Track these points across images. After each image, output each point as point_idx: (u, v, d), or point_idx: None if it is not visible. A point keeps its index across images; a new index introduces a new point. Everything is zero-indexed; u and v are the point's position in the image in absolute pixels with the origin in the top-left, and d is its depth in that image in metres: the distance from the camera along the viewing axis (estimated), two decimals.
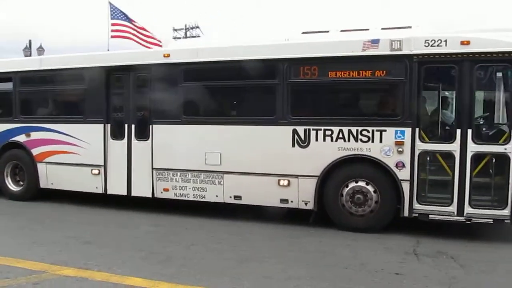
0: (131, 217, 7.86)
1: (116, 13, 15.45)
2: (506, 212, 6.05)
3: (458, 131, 6.19)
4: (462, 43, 6.12)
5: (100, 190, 8.33)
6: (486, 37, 6.09)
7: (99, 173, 8.27)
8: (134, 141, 8.06)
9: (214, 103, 7.84)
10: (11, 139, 9.06)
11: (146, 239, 6.38)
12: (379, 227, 6.65)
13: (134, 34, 15.43)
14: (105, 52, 9.72)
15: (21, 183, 9.20)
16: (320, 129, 6.80)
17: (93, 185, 8.35)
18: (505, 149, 6.02)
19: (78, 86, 8.51)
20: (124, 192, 8.16)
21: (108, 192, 8.29)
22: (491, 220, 6.13)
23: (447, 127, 6.62)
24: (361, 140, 6.61)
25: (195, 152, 7.56)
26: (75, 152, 8.44)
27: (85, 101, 8.46)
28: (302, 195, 6.97)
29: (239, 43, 7.48)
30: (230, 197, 7.42)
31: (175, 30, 32.61)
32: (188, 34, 32.48)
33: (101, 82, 8.19)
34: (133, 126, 8.07)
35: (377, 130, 6.51)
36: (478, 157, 6.15)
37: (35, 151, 8.84)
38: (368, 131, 6.56)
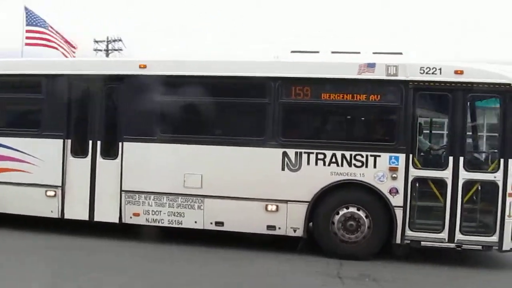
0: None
1: (33, 19, 14.19)
2: (494, 238, 6.21)
3: (451, 158, 6.29)
4: (456, 72, 6.26)
5: (55, 215, 7.32)
6: (478, 68, 6.29)
7: (55, 195, 7.28)
8: (99, 159, 7.23)
9: (197, 120, 7.22)
10: None
11: None
12: (369, 254, 6.50)
13: (50, 41, 14.19)
14: (69, 58, 8.66)
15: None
16: (313, 153, 6.56)
17: (47, 209, 7.32)
18: (495, 177, 6.20)
19: (34, 95, 7.49)
20: (86, 217, 7.25)
21: (66, 217, 7.32)
22: (480, 247, 6.26)
23: (439, 154, 6.70)
24: (354, 165, 6.46)
25: (173, 173, 6.93)
26: (26, 171, 7.36)
27: (42, 113, 7.45)
28: (291, 221, 6.64)
29: (230, 58, 7.03)
30: (211, 223, 6.88)
31: (96, 42, 31.23)
32: (110, 46, 31.29)
33: (62, 92, 7.27)
34: (98, 142, 7.24)
35: (371, 155, 6.42)
36: (468, 184, 6.26)
37: None
38: (362, 156, 6.44)
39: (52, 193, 7.28)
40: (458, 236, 6.26)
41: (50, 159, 7.28)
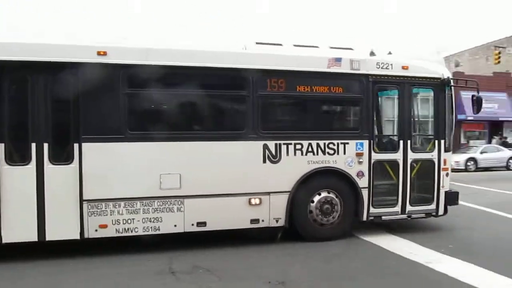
0: None
1: None
2: (433, 206, 7.63)
3: (401, 142, 7.43)
4: (403, 67, 7.39)
5: None
6: (419, 64, 7.55)
7: None
8: (48, 165, 6.00)
9: (173, 115, 6.61)
10: None
11: None
12: (343, 233, 7.20)
13: None
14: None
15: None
16: (291, 143, 6.85)
17: None
18: (432, 155, 7.59)
19: None
20: (34, 237, 5.97)
21: (4, 241, 5.87)
22: (424, 215, 7.61)
23: (392, 139, 7.77)
24: (328, 153, 7.03)
25: (146, 175, 6.29)
26: None
27: None
28: (274, 212, 6.84)
29: (203, 47, 6.65)
30: (193, 224, 6.53)
31: None
32: None
33: None
34: (45, 145, 6.00)
35: (341, 143, 7.08)
36: (414, 163, 7.51)
37: None
38: (334, 144, 7.05)
39: None
40: (408, 207, 7.49)
41: None
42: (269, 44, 7.24)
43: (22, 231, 5.93)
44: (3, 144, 5.87)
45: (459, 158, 22.10)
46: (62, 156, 6.08)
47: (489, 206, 10.34)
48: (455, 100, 7.90)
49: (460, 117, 26.48)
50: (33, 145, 5.96)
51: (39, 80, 5.99)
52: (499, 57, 26.89)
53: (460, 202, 8.12)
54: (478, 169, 22.16)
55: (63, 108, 6.14)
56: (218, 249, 6.63)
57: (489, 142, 27.62)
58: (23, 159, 5.96)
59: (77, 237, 6.12)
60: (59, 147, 6.08)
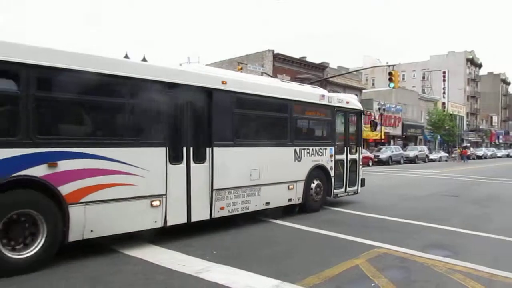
0: None
1: None
2: (356, 187, 12.82)
3: (345, 148, 12.34)
4: (347, 102, 12.35)
5: (159, 224, 7.59)
6: (351, 101, 12.66)
7: (160, 204, 7.56)
8: (193, 164, 8.14)
9: (255, 129, 9.85)
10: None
11: None
12: (322, 206, 11.47)
13: None
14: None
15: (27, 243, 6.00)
16: (304, 148, 10.80)
17: (151, 220, 7.48)
18: (356, 156, 12.76)
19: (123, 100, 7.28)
20: (184, 220, 8.05)
21: (168, 224, 7.72)
22: (353, 193, 12.69)
23: (340, 146, 12.36)
24: (319, 154, 11.26)
25: (243, 170, 9.17)
26: (131, 183, 7.08)
27: (143, 122, 7.41)
28: (298, 194, 10.66)
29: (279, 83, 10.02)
30: (263, 204, 9.67)
31: None
32: None
33: (161, 101, 7.68)
34: (191, 149, 8.15)
35: (324, 149, 11.46)
36: (350, 161, 12.50)
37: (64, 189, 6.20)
38: (322, 150, 11.35)
39: (157, 203, 7.51)
40: (347, 188, 12.42)
41: (155, 168, 7.47)
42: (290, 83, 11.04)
43: (178, 215, 7.91)
44: (168, 148, 7.73)
45: None
46: (200, 156, 8.33)
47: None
48: None
49: None
50: (184, 149, 8.06)
51: (188, 100, 8.17)
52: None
53: None
54: None
55: (201, 122, 8.42)
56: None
57: None
58: (178, 160, 7.97)
59: (208, 217, 8.45)
60: (199, 150, 8.31)
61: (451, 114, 66.66)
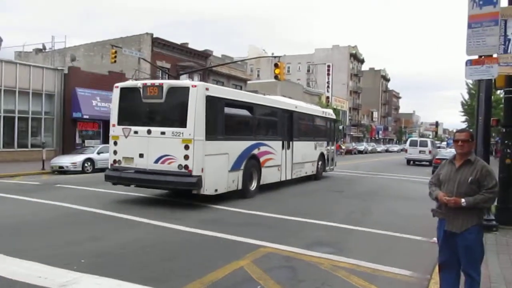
0: None
1: None
2: (333, 167, 23.62)
3: (329, 143, 22.66)
4: (331, 115, 23.24)
5: (279, 179, 16.58)
6: (332, 113, 24.66)
7: (279, 169, 16.43)
8: (286, 150, 17.27)
9: (304, 130, 19.73)
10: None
11: None
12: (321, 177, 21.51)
13: None
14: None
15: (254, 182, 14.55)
16: (317, 142, 20.72)
17: (278, 177, 16.49)
18: (333, 147, 23.52)
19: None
20: (284, 178, 17.02)
21: (281, 179, 16.63)
22: (332, 169, 23.51)
23: (328, 141, 22.61)
24: (322, 146, 21.29)
25: (299, 154, 18.39)
26: (273, 158, 15.81)
27: (274, 127, 16.43)
28: (314, 169, 20.31)
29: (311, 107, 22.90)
30: (305, 173, 19.09)
31: None
32: None
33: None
34: (286, 142, 17.10)
35: (324, 142, 21.69)
36: (331, 150, 23.33)
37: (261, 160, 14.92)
38: (323, 143, 21.56)
39: (279, 168, 16.28)
40: (330, 167, 22.91)
41: (279, 151, 16.25)
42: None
43: (284, 176, 16.80)
44: (281, 141, 16.62)
45: (76, 159, 22.41)
46: (289, 145, 17.18)
47: (107, 208, 11.15)
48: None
49: (76, 115, 29.63)
50: (285, 142, 16.87)
51: (286, 116, 17.22)
52: (115, 56, 27.44)
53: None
54: (95, 170, 22.11)
55: (288, 128, 17.25)
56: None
57: (104, 142, 28.36)
58: (283, 147, 16.52)
59: (290, 178, 17.25)
60: (289, 142, 17.08)
61: (334, 109, 71.31)
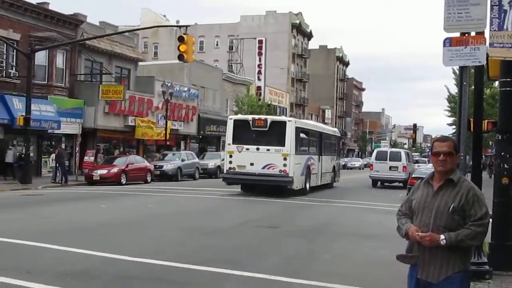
0: None
1: None
2: (339, 178, 43.17)
3: (335, 157, 42.36)
4: (336, 132, 47.76)
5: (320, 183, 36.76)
6: (336, 130, 50.74)
7: (316, 176, 34.93)
8: (319, 162, 36.36)
9: (320, 147, 37.62)
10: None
11: None
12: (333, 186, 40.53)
13: None
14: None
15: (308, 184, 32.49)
16: (332, 157, 40.24)
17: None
18: (339, 161, 47.81)
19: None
20: (319, 183, 36.49)
21: (320, 183, 36.35)
22: (337, 181, 42.81)
23: (335, 156, 43.33)
24: (332, 160, 40.02)
25: (324, 166, 38.06)
26: (315, 167, 35.13)
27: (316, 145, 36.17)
28: (329, 178, 38.65)
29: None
30: (326, 181, 37.86)
31: None
32: None
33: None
34: (319, 156, 36.05)
35: (334, 157, 41.07)
36: (336, 164, 43.93)
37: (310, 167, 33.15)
38: (333, 157, 40.65)
39: (317, 175, 35.25)
40: (337, 178, 41.82)
41: (316, 163, 35.22)
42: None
43: (320, 182, 36.75)
44: (318, 156, 35.66)
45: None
46: (319, 158, 36.24)
47: None
48: None
49: None
50: (319, 156, 35.94)
51: (322, 138, 38.31)
52: None
53: None
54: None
55: (317, 146, 36.03)
56: None
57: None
58: (318, 160, 35.56)
59: (319, 184, 35.55)
60: (319, 156, 35.66)
61: (269, 105, 70.60)
